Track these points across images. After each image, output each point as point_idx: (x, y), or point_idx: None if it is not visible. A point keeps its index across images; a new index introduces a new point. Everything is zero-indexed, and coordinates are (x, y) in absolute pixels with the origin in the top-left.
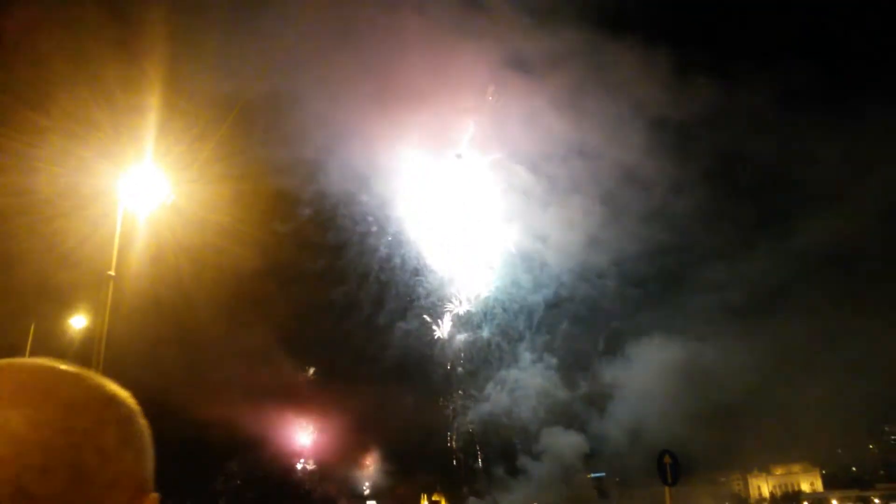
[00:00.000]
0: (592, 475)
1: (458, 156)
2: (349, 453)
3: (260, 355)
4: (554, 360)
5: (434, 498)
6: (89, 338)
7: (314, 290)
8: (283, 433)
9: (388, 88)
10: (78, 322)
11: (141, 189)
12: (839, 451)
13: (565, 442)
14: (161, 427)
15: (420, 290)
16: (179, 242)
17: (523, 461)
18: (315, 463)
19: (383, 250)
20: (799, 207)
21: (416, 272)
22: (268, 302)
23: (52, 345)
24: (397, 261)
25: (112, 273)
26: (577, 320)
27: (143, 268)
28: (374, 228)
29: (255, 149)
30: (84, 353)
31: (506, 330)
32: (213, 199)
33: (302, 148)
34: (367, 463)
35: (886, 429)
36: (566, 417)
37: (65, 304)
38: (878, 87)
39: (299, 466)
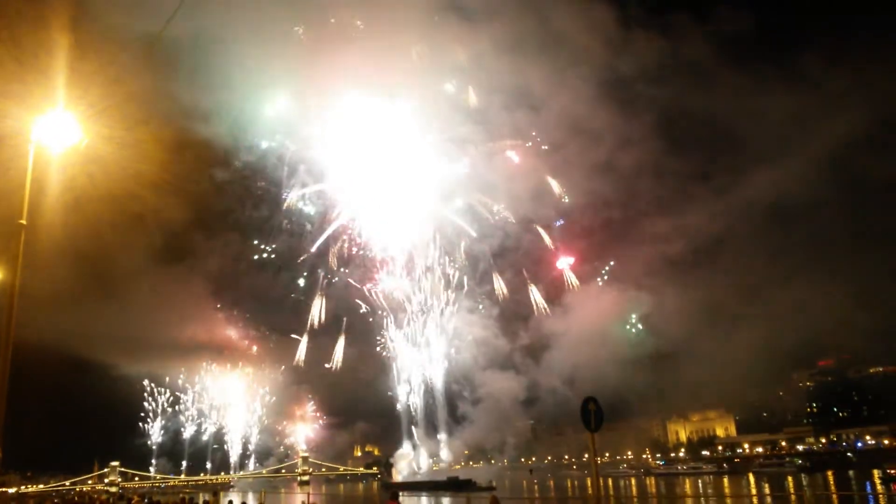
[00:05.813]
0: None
1: (392, 97)
2: (286, 406)
3: (188, 309)
4: (495, 310)
5: (367, 448)
6: (1, 292)
7: (247, 242)
8: (216, 386)
9: (320, 31)
10: None
11: (53, 132)
12: (751, 398)
13: (502, 386)
14: (82, 385)
15: (359, 240)
16: (99, 191)
17: (464, 408)
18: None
19: (319, 201)
20: (740, 163)
21: (354, 220)
22: (196, 254)
23: None
24: (335, 212)
25: (24, 222)
26: (521, 270)
27: (60, 217)
28: (309, 178)
29: (179, 94)
30: None
31: (449, 279)
32: (134, 146)
33: (229, 95)
34: (303, 415)
35: (794, 376)
36: (505, 365)
37: None
38: (815, 42)
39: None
